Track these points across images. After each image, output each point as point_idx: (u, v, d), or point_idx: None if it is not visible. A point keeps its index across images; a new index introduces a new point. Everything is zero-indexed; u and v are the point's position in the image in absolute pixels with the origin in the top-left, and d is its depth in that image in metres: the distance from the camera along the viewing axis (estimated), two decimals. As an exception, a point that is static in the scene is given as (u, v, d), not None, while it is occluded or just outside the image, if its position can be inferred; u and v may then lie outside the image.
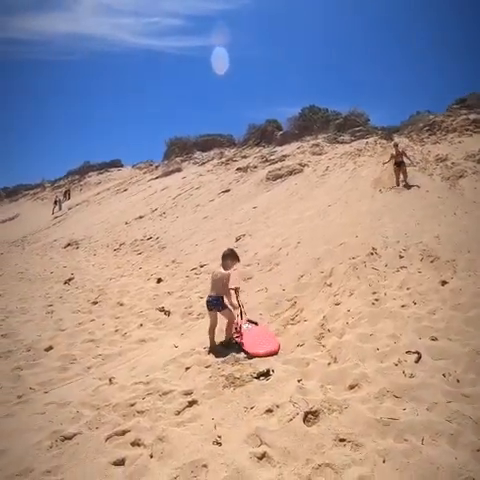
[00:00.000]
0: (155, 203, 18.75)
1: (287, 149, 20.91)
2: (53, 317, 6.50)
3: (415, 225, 7.96)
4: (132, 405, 3.44)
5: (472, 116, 16.59)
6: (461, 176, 11.03)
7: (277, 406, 3.13)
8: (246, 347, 4.38)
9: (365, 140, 18.67)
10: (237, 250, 5.07)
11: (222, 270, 4.63)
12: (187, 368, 4.17)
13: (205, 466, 2.54)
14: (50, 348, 5.11)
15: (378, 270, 6.16)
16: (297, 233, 9.20)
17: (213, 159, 24.99)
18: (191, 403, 3.40)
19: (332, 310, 5.16)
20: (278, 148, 22.08)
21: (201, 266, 8.69)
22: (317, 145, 19.60)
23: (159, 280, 8.33)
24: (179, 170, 25.34)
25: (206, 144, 29.07)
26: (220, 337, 4.72)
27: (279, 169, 16.85)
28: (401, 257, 6.51)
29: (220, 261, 4.84)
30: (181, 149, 29.90)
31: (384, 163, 12.48)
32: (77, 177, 37.72)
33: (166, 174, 25.70)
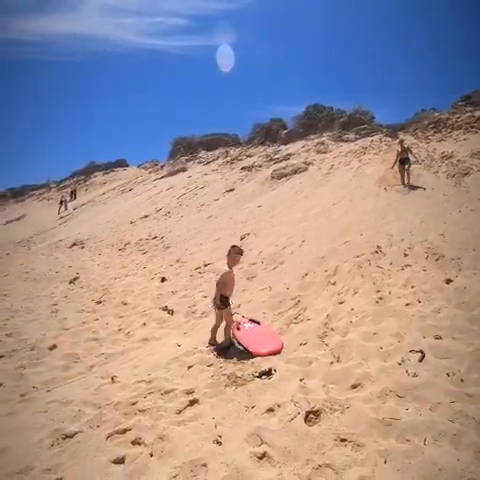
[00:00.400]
0: (160, 203, 18.79)
1: (292, 148, 20.86)
2: (57, 316, 6.52)
3: (420, 223, 7.90)
4: (133, 404, 3.44)
5: (477, 113, 16.43)
6: (466, 173, 10.92)
7: (278, 405, 3.10)
8: (248, 346, 4.36)
9: (370, 138, 18.56)
10: (238, 246, 4.88)
11: (224, 268, 4.63)
12: (189, 367, 4.16)
13: (205, 465, 2.53)
14: (54, 347, 5.12)
15: (382, 268, 6.11)
16: (302, 232, 9.16)
17: (218, 158, 24.99)
18: (192, 402, 3.39)
19: (336, 309, 5.12)
20: (283, 147, 22.05)
21: (205, 265, 8.69)
22: (322, 143, 19.52)
23: (163, 279, 8.34)
24: (184, 169, 25.37)
25: (211, 143, 29.13)
26: (222, 337, 4.71)
27: (284, 168, 16.82)
28: (406, 255, 6.46)
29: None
30: (186, 148, 30.00)
31: (392, 167, 12.13)
32: (82, 177, 37.92)
33: (171, 174, 25.75)
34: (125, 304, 7.01)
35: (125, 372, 4.29)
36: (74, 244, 15.52)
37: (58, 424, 3.20)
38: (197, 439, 2.82)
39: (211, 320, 4.95)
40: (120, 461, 2.69)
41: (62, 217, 24.59)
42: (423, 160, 13.14)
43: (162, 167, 30.34)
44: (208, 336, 4.77)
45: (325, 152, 18.27)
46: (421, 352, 3.63)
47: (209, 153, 27.34)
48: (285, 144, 22.50)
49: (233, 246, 4.75)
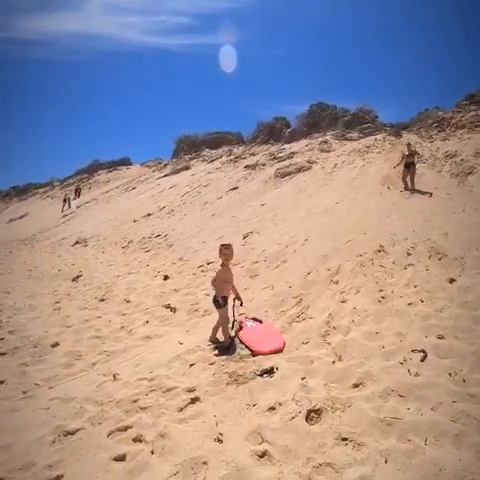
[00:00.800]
0: (163, 201, 18.80)
1: (295, 146, 20.79)
2: (60, 314, 6.54)
3: (423, 222, 7.86)
4: (135, 401, 3.45)
5: (481, 112, 16.29)
6: (470, 173, 10.86)
7: (280, 404, 3.10)
8: (251, 345, 4.35)
9: (373, 137, 18.47)
10: (227, 245, 4.66)
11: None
12: (191, 365, 4.16)
13: (205, 463, 2.53)
14: (56, 344, 5.14)
15: (385, 267, 6.09)
16: (305, 230, 9.14)
17: (222, 157, 24.97)
18: (194, 400, 3.39)
19: (338, 307, 5.11)
20: (286, 145, 21.98)
21: (208, 263, 8.68)
22: (325, 142, 19.44)
23: (166, 277, 8.34)
24: (188, 168, 25.37)
25: (215, 142, 29.13)
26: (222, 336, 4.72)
27: (287, 166, 16.77)
28: (409, 254, 6.43)
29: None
30: (190, 147, 30.03)
31: (395, 167, 12.07)
32: (86, 175, 38.02)
33: (175, 172, 25.76)
34: (128, 302, 7.02)
35: (127, 370, 4.30)
36: (77, 242, 15.57)
37: (60, 421, 3.21)
38: (198, 437, 2.82)
39: (213, 318, 4.96)
40: (121, 458, 2.70)
41: (65, 215, 24.67)
42: (427, 159, 13.06)
43: (165, 165, 30.35)
44: (210, 334, 4.79)
45: (329, 151, 18.20)
46: (423, 351, 3.62)
47: (213, 151, 27.33)
48: (289, 143, 22.43)
49: (221, 244, 4.76)
